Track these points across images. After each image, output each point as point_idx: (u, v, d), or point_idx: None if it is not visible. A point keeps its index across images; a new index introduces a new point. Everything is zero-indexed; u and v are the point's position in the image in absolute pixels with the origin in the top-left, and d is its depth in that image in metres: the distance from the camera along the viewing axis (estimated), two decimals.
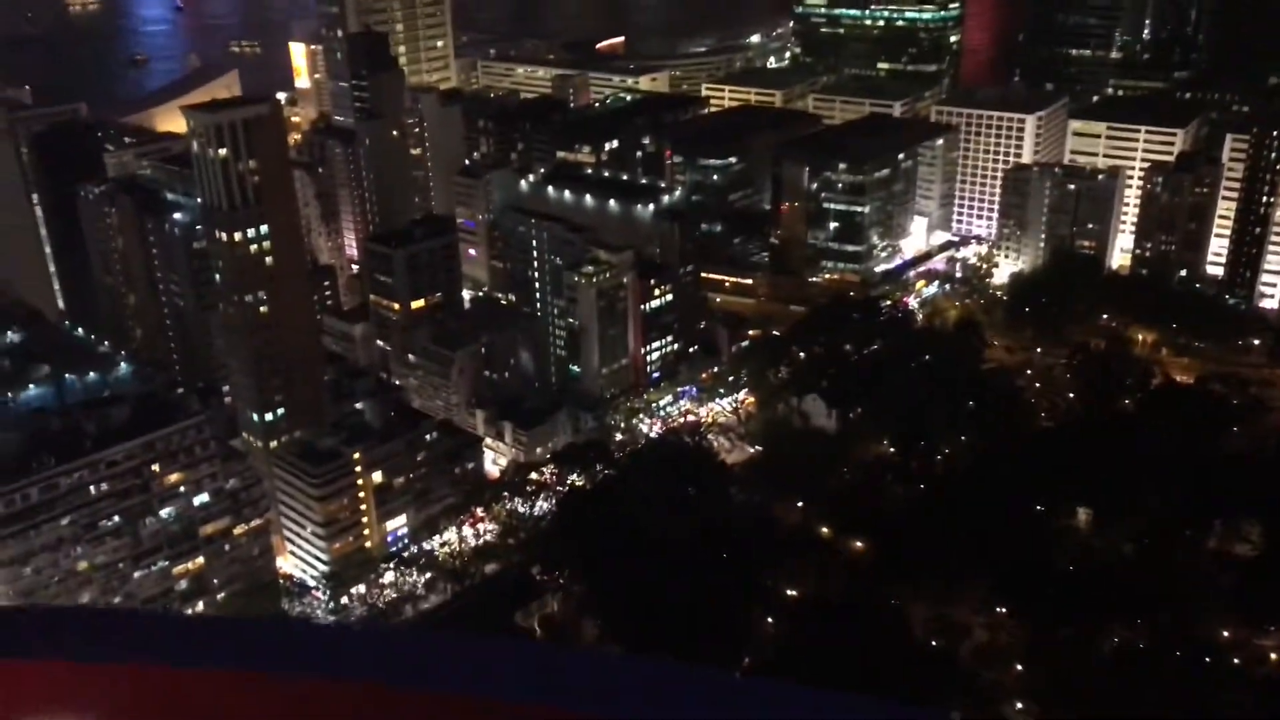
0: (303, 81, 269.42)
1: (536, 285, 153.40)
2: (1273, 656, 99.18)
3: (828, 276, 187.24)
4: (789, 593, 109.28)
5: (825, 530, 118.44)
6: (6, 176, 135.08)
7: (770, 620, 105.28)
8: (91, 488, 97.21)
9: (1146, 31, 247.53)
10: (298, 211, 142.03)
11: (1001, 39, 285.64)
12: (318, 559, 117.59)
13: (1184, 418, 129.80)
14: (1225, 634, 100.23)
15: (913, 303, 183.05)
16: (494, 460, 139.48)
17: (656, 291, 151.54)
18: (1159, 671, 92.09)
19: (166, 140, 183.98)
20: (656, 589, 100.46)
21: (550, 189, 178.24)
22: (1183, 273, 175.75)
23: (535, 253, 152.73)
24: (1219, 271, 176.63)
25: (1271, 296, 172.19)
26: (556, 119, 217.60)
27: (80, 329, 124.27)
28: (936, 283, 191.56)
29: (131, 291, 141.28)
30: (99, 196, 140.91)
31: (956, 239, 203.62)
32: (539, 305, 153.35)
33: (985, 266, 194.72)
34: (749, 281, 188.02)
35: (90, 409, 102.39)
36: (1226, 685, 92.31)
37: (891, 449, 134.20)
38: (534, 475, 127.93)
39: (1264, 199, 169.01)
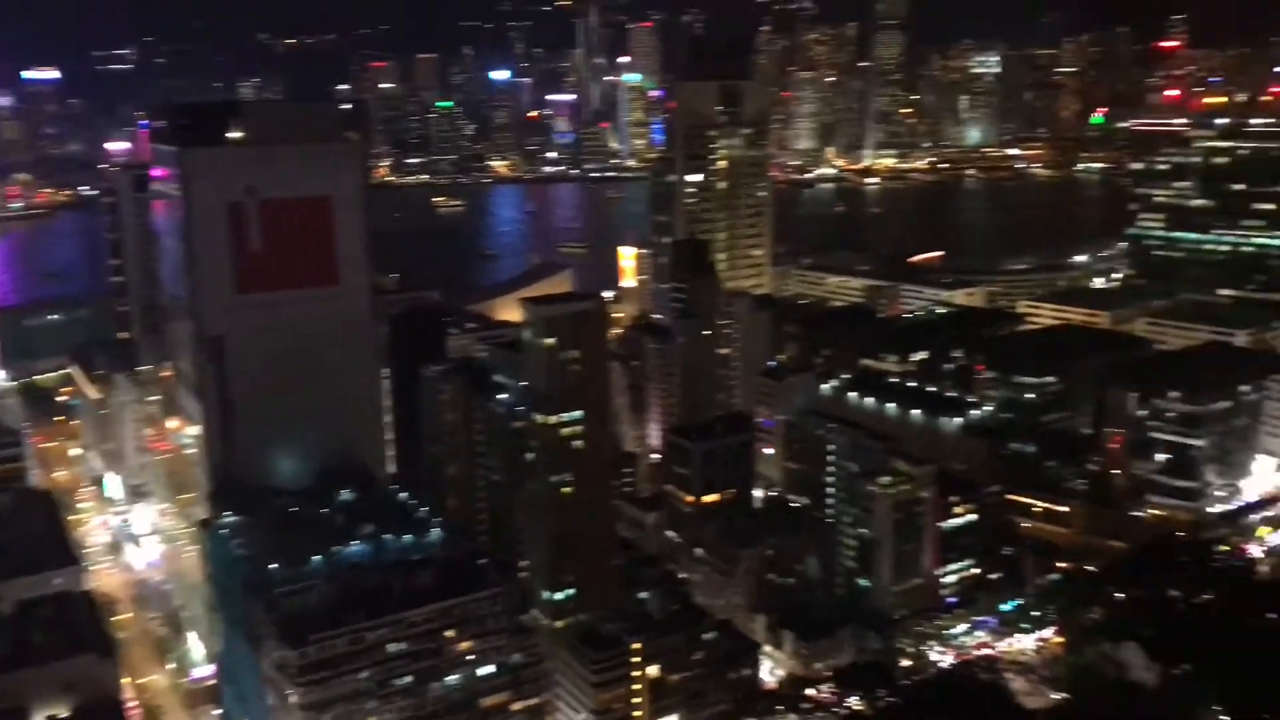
0: (628, 282, 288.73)
1: (830, 491, 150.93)
2: None
3: (1153, 513, 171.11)
4: None
5: None
6: (367, 351, 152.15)
7: None
8: (391, 645, 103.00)
9: None
10: (610, 400, 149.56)
11: None
12: None
13: None
14: None
15: (1254, 550, 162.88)
16: (771, 670, 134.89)
17: (958, 509, 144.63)
18: None
19: (503, 328, 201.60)
20: None
21: (852, 395, 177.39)
22: None
23: (831, 457, 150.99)
24: None
25: None
26: (864, 327, 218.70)
27: (405, 493, 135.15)
28: None
29: (453, 462, 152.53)
30: (438, 374, 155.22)
31: None
32: (830, 512, 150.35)
33: None
34: (1064, 509, 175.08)
35: (401, 569, 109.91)
36: None
37: (1226, 717, 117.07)
38: (810, 691, 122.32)
39: None
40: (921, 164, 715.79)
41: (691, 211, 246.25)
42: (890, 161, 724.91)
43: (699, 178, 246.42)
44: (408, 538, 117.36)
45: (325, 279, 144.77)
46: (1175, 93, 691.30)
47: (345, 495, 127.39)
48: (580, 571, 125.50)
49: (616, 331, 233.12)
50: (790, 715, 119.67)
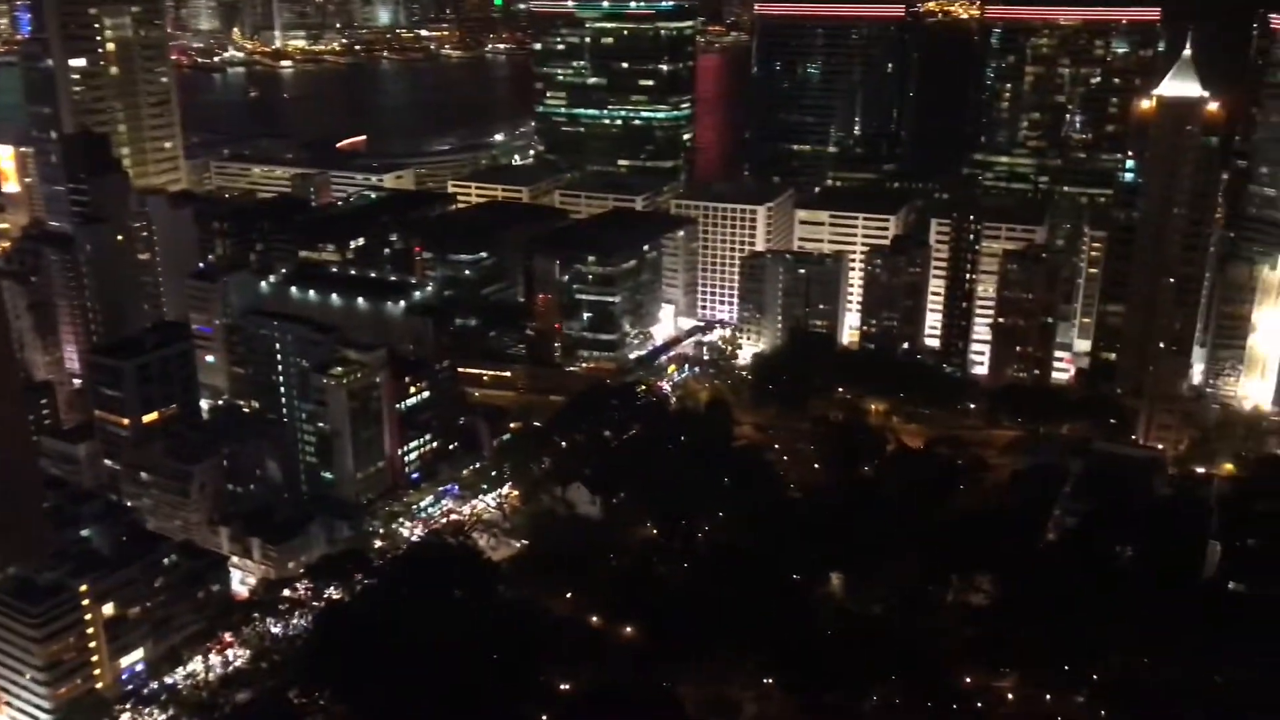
0: (10, 186, 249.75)
1: (282, 390, 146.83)
2: (1010, 697, 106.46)
3: (584, 365, 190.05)
4: (562, 686, 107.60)
5: (595, 619, 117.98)
6: None
7: (545, 717, 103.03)
8: None
9: (857, 128, 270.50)
10: (8, 325, 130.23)
11: (730, 136, 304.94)
12: (40, 708, 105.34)
13: (917, 480, 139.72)
14: (968, 680, 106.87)
15: (666, 387, 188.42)
16: (243, 580, 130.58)
17: (412, 389, 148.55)
18: None
19: None
20: (424, 699, 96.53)
21: (293, 289, 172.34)
22: (905, 345, 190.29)
23: (279, 356, 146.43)
24: (935, 343, 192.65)
25: (981, 364, 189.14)
26: (298, 218, 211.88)
27: None
28: (687, 366, 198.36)
29: None
30: None
31: (702, 324, 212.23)
32: (285, 411, 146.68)
33: (730, 349, 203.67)
34: (507, 374, 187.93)
35: None
36: None
37: (655, 531, 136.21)
38: (287, 592, 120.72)
39: (967, 276, 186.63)
40: (335, 46, 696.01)
41: (81, 102, 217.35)
42: (302, 44, 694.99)
43: (83, 63, 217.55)
44: None
45: None
46: None
47: None
48: None
49: (4, 245, 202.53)
50: (268, 619, 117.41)
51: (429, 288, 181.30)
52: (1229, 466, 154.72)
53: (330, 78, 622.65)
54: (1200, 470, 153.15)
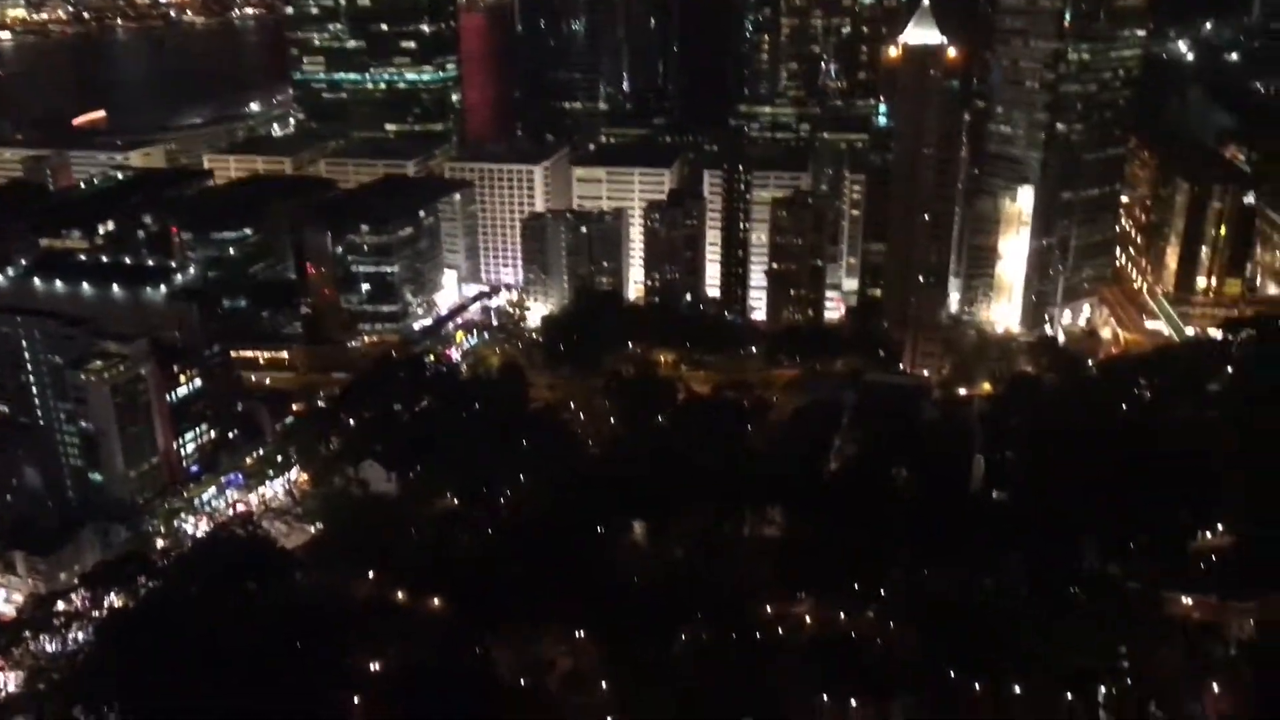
0: None
1: (35, 391, 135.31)
2: (807, 620, 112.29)
3: (367, 340, 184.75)
4: (373, 667, 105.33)
5: (401, 596, 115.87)
6: None
7: (358, 699, 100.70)
8: None
9: (626, 84, 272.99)
10: None
11: (500, 96, 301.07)
12: None
13: (708, 425, 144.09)
14: (768, 609, 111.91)
15: (455, 355, 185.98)
16: (7, 599, 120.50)
17: (182, 379, 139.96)
18: (723, 657, 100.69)
19: None
20: (225, 698, 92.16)
21: (37, 281, 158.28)
22: (688, 297, 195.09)
23: (27, 354, 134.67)
24: (717, 292, 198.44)
25: (760, 309, 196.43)
26: (35, 204, 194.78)
27: None
28: (475, 333, 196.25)
29: None
30: None
31: (487, 289, 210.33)
32: (40, 414, 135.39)
33: (518, 312, 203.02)
34: (285, 355, 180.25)
35: None
36: (777, 654, 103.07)
37: (456, 502, 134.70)
38: (61, 605, 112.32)
39: (741, 225, 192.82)
40: (60, 14, 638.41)
41: None
42: (20, 12, 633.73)
43: None
44: None
45: None
46: None
47: None
48: None
49: None
50: (41, 636, 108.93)
51: (191, 270, 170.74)
52: (986, 386, 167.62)
53: (58, 49, 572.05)
54: (962, 392, 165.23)
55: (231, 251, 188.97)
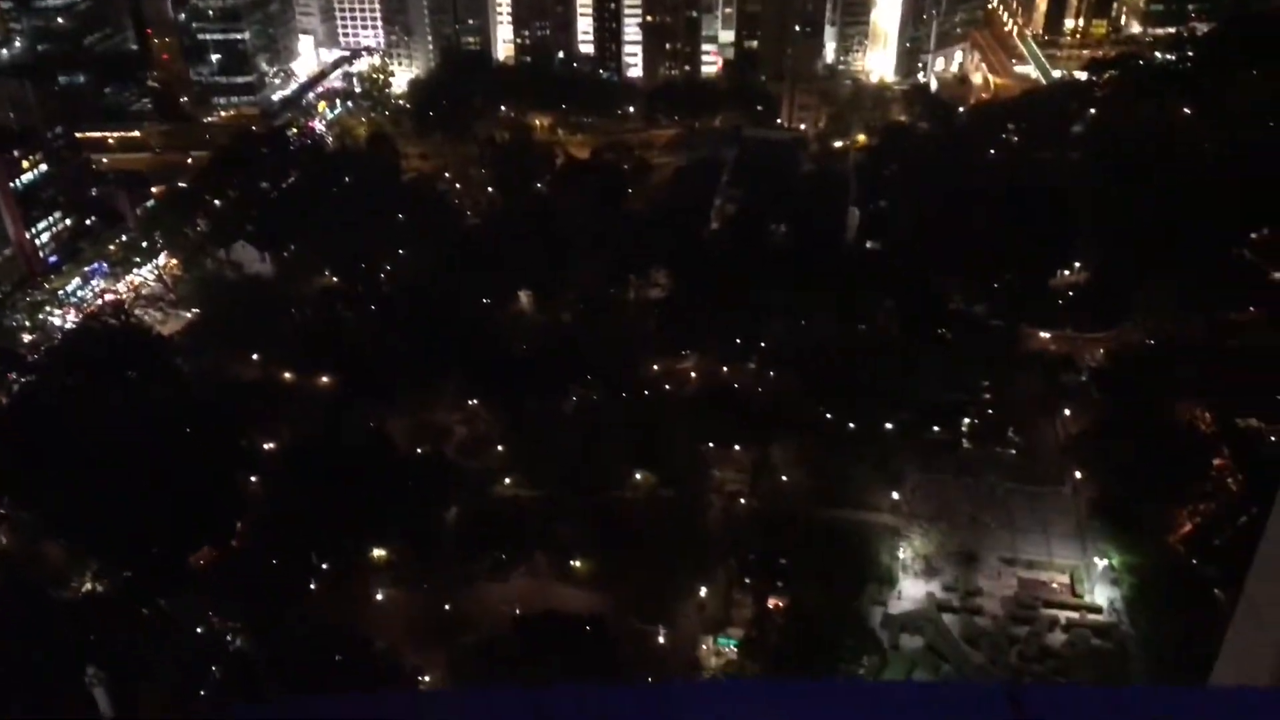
0: None
1: None
2: (693, 375, 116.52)
3: (223, 115, 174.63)
4: (266, 446, 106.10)
5: (288, 375, 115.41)
6: None
7: (256, 479, 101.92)
8: None
9: None
10: None
11: None
12: None
13: (589, 189, 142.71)
14: (655, 368, 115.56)
15: (319, 127, 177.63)
16: None
17: (25, 164, 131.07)
18: (610, 417, 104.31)
19: None
20: (120, 486, 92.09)
21: None
22: (561, 55, 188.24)
23: None
24: (590, 49, 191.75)
25: (635, 67, 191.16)
26: None
27: None
28: (338, 102, 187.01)
29: None
30: None
31: (347, 53, 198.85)
32: None
33: (382, 77, 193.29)
34: (136, 134, 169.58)
35: None
36: (664, 408, 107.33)
37: (335, 279, 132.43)
38: None
39: None
40: None
41: None
42: None
43: None
44: None
45: None
46: None
47: None
48: None
49: None
50: None
51: (17, 43, 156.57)
52: (861, 138, 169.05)
53: None
54: (838, 144, 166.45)
55: (60, 21, 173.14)
